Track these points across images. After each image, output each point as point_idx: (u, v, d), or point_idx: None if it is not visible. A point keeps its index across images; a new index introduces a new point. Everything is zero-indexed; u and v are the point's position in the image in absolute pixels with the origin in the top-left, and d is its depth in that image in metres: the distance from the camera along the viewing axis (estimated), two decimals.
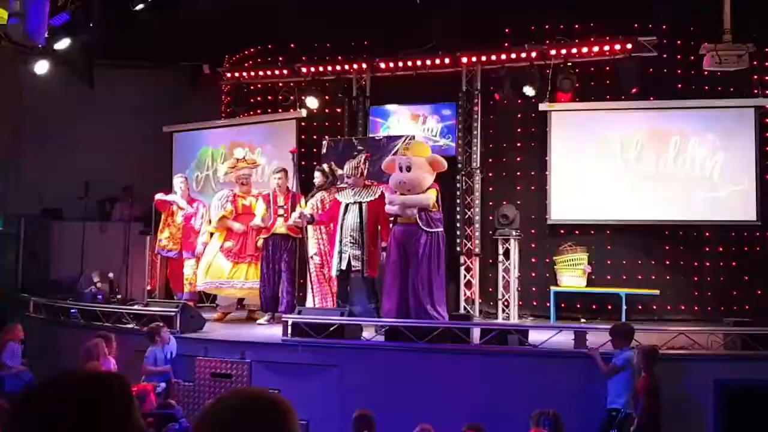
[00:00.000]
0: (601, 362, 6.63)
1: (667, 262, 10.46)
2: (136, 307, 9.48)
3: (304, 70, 11.96)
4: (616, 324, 7.35)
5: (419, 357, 7.50)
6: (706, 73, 9.94)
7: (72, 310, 9.47)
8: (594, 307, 10.41)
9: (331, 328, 7.88)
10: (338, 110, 12.07)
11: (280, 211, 9.62)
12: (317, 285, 9.45)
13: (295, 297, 9.64)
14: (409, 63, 11.42)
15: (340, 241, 8.87)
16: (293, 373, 7.73)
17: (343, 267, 8.80)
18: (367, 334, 8.15)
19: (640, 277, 10.39)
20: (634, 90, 10.41)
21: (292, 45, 12.48)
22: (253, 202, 10.01)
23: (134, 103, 12.17)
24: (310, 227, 9.57)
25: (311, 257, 9.49)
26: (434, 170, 8.64)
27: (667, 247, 10.48)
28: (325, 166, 10.00)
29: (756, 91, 10.34)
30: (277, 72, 12.29)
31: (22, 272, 11.55)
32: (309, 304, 9.48)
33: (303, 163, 10.89)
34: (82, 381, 1.37)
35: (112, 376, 1.42)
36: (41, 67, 10.47)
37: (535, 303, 10.91)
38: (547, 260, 10.78)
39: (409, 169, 8.51)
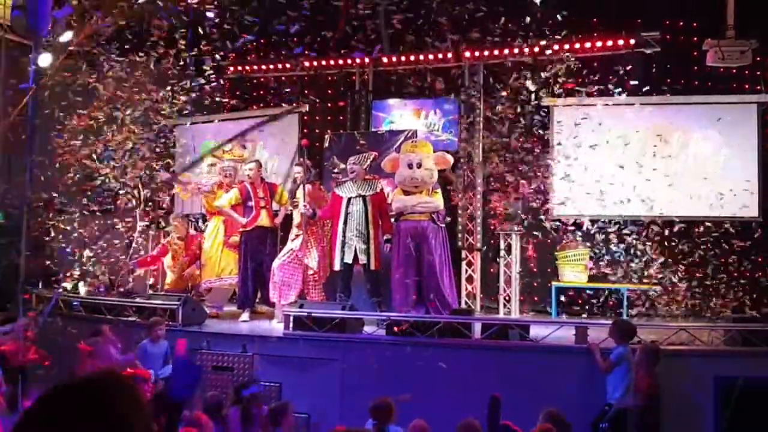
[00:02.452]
0: (599, 358, 6.64)
1: (669, 258, 10.45)
2: (138, 300, 9.50)
3: (306, 63, 11.96)
4: (618, 319, 7.36)
5: (420, 351, 7.51)
6: (709, 68, 9.92)
7: (74, 303, 9.50)
8: (595, 302, 10.40)
9: (333, 322, 7.93)
10: (341, 104, 12.07)
11: (262, 203, 9.58)
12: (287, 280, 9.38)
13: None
14: (412, 57, 11.42)
15: (344, 234, 8.91)
16: (294, 367, 7.76)
17: (350, 260, 8.86)
18: (369, 328, 8.19)
19: (641, 272, 10.38)
20: (638, 82, 10.41)
21: (294, 39, 12.46)
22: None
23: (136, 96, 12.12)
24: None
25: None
26: (440, 166, 8.94)
27: (668, 243, 10.47)
28: (303, 160, 10.00)
29: (759, 87, 10.31)
30: (279, 66, 12.29)
31: (25, 264, 11.54)
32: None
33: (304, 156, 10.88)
34: (90, 389, 1.35)
35: (119, 379, 1.40)
36: (44, 59, 10.46)
37: (536, 298, 10.92)
38: (549, 255, 10.79)
39: (420, 165, 8.74)
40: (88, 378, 1.39)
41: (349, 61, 11.87)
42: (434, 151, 9.27)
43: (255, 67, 12.50)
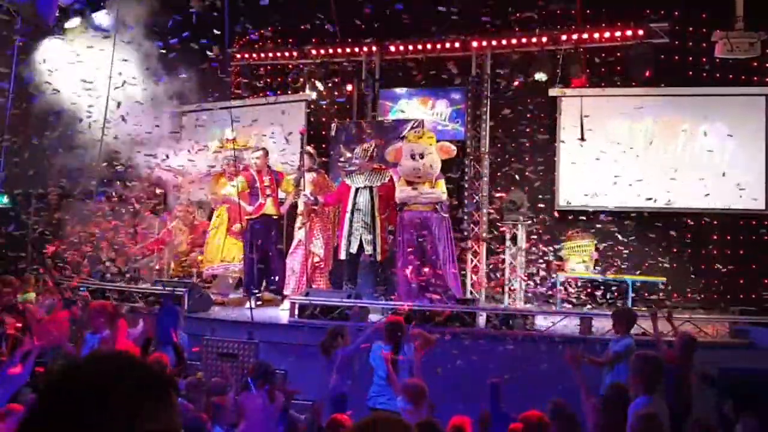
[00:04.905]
0: (595, 360, 6.47)
1: (675, 250, 10.45)
2: (144, 286, 9.55)
3: (313, 52, 11.94)
4: (619, 309, 7.33)
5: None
6: (717, 60, 9.88)
7: (81, 288, 9.54)
8: (600, 293, 10.39)
9: (338, 311, 7.96)
10: (347, 93, 12.05)
11: (267, 191, 9.58)
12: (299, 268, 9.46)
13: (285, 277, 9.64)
14: (419, 47, 11.39)
15: (351, 225, 8.93)
16: (299, 354, 7.77)
17: (354, 250, 8.88)
18: (374, 316, 8.20)
19: (647, 264, 10.38)
20: (647, 73, 10.35)
21: (302, 27, 12.43)
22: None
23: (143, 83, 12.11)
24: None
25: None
26: (444, 156, 8.91)
27: (674, 235, 10.46)
28: (309, 149, 10.00)
29: (767, 80, 10.28)
30: (286, 54, 12.27)
31: (31, 250, 11.60)
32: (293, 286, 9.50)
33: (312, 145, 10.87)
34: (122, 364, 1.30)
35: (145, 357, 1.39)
36: (52, 46, 10.47)
37: (541, 288, 10.91)
38: (554, 246, 10.78)
39: (422, 156, 8.71)
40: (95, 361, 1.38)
41: (357, 50, 11.84)
42: (438, 141, 9.24)
43: (262, 55, 12.47)
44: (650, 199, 10.21)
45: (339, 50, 11.93)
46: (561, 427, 4.78)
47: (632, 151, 10.43)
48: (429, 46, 11.31)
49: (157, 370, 1.34)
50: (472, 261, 10.93)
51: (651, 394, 4.50)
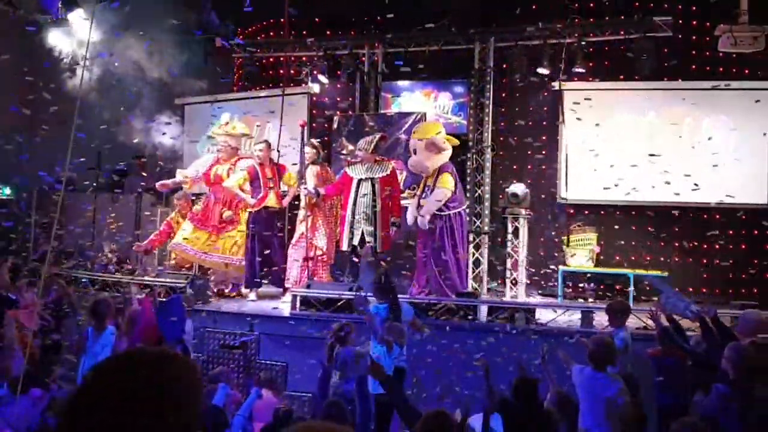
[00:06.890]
0: None
1: (676, 244, 10.44)
2: (146, 278, 9.57)
3: (316, 45, 11.92)
4: (612, 302, 7.32)
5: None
6: (721, 54, 9.85)
7: (83, 279, 9.57)
8: (602, 287, 10.40)
9: (339, 303, 7.98)
10: (350, 86, 12.04)
11: (270, 184, 9.57)
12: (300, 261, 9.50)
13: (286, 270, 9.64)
14: (422, 39, 11.36)
15: (353, 217, 8.94)
16: (300, 347, 7.81)
17: (356, 242, 8.89)
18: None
19: (648, 258, 10.38)
20: (650, 67, 10.34)
21: (305, 19, 12.41)
22: (225, 170, 9.93)
23: (147, 75, 12.11)
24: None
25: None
26: (438, 151, 8.74)
27: (676, 229, 10.45)
28: (314, 141, 10.02)
29: None
30: (289, 46, 12.25)
31: (34, 241, 11.62)
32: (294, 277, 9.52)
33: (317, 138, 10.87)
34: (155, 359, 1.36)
35: (184, 358, 1.42)
36: (54, 38, 10.48)
37: (543, 282, 10.92)
38: (557, 240, 10.79)
39: (415, 152, 8.77)
40: (146, 352, 1.41)
41: (359, 42, 11.81)
42: (439, 133, 9.06)
43: (265, 47, 12.46)
44: (652, 192, 10.19)
45: (342, 43, 11.90)
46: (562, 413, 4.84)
47: (635, 145, 10.41)
48: (432, 39, 11.28)
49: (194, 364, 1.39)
50: (473, 254, 10.93)
51: (598, 371, 4.92)
